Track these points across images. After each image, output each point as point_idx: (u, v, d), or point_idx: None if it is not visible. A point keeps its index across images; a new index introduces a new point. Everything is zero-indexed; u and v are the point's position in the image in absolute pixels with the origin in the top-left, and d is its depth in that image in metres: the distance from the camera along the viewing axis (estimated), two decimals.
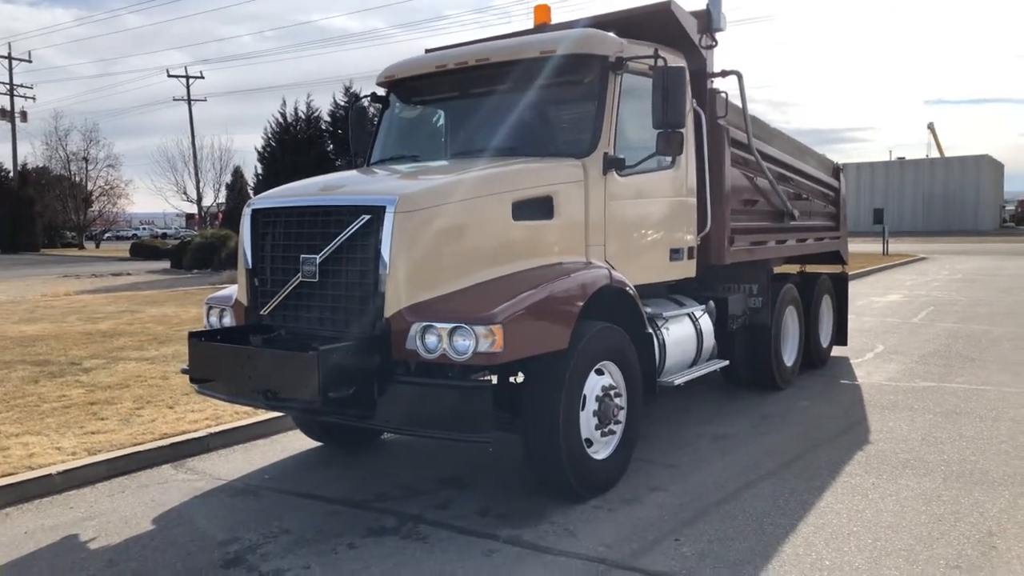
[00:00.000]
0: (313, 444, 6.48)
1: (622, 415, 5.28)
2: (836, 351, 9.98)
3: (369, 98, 6.85)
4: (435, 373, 4.55)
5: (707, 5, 6.62)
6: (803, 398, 7.91)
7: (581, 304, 4.86)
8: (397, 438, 6.58)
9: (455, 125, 6.33)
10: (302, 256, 4.82)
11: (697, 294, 6.91)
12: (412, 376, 4.54)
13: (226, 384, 4.93)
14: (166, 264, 34.09)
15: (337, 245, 4.68)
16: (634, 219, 5.84)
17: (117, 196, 63.30)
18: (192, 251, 31.30)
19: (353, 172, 6.17)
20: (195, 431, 6.47)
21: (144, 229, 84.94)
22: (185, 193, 56.79)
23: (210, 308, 5.61)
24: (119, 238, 74.84)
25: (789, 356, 8.37)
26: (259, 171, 29.40)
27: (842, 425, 6.87)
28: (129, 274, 29.47)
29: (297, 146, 27.90)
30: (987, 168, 62.83)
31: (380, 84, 6.59)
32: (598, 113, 5.51)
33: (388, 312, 4.52)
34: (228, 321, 5.43)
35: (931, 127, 76.39)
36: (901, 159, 67.02)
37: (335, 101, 29.15)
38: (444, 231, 4.69)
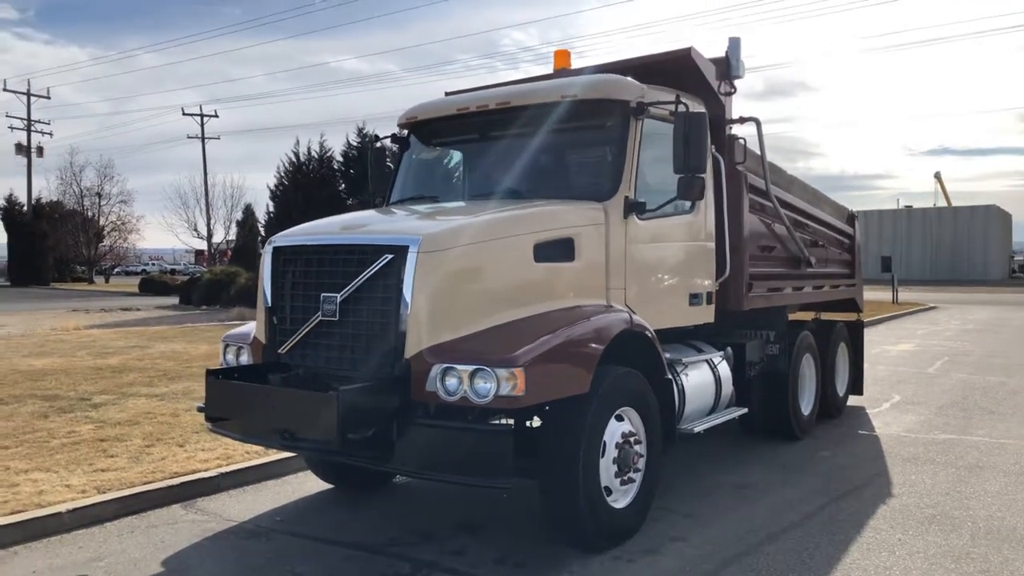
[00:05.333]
0: (325, 486, 6.38)
1: (642, 463, 5.18)
2: (852, 400, 9.84)
3: (389, 139, 6.89)
4: (454, 416, 4.48)
5: (726, 52, 6.68)
6: (821, 448, 7.77)
7: (602, 348, 4.81)
8: (410, 480, 6.47)
9: (475, 167, 6.36)
10: (322, 295, 4.80)
11: (714, 340, 6.85)
12: (431, 418, 4.46)
13: (242, 423, 4.86)
14: (175, 300, 34.17)
15: (358, 284, 4.66)
16: (654, 263, 5.81)
17: (128, 231, 63.82)
18: (201, 287, 31.38)
19: (373, 212, 6.18)
20: (205, 470, 6.38)
21: (153, 264, 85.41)
22: (196, 229, 57.23)
23: (227, 346, 5.57)
24: (128, 273, 75.17)
25: (806, 405, 8.26)
26: (271, 209, 29.68)
27: (863, 477, 6.73)
28: (138, 309, 29.53)
29: (309, 185, 28.16)
30: (995, 218, 62.85)
31: (401, 125, 6.63)
32: (619, 157, 5.52)
33: (408, 352, 4.47)
34: (245, 359, 5.38)
35: (938, 176, 76.62)
36: (909, 207, 67.14)
37: (348, 141, 29.64)
38: (466, 272, 4.67)
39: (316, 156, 29.11)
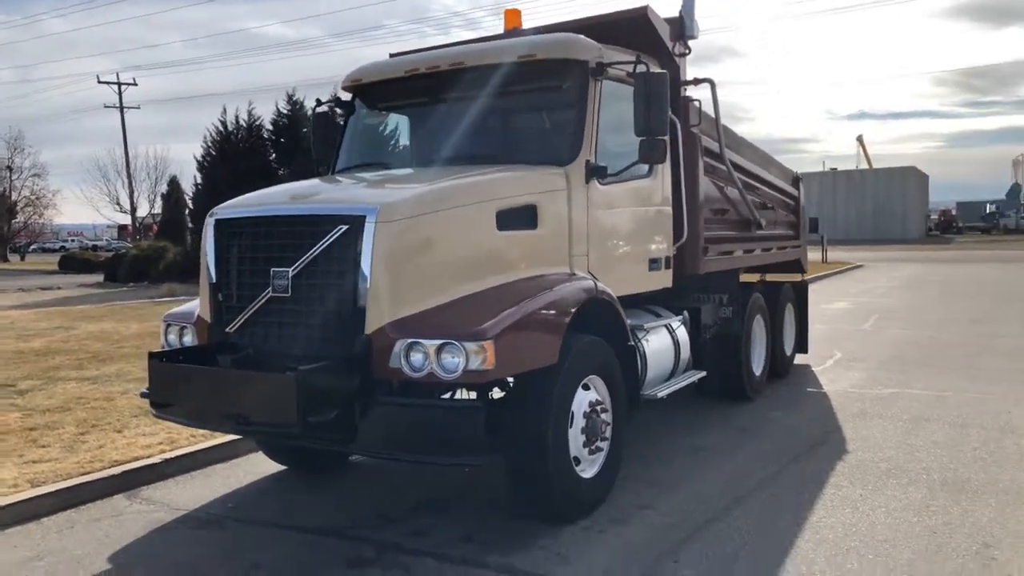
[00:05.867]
0: (277, 468, 6.11)
1: (608, 431, 5.10)
2: (798, 359, 10.02)
3: (332, 103, 6.54)
4: (416, 393, 4.30)
5: (680, 12, 6.54)
6: (774, 408, 7.87)
7: (569, 317, 4.67)
8: (366, 460, 6.25)
9: (426, 132, 6.08)
10: (272, 269, 4.51)
11: (670, 304, 6.80)
12: (395, 396, 4.26)
13: (190, 408, 4.56)
14: (99, 277, 32.73)
15: (312, 257, 4.39)
16: (615, 229, 5.69)
17: (44, 207, 60.70)
18: (127, 263, 30.15)
19: (320, 180, 5.87)
20: (148, 457, 6.03)
21: (72, 241, 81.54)
22: (118, 203, 54.78)
23: (168, 326, 5.23)
24: (45, 250, 71.74)
25: (758, 366, 8.35)
26: (198, 180, 28.42)
27: (817, 435, 6.83)
28: (59, 288, 28.15)
29: (238, 155, 27.04)
30: (913, 179, 65.23)
31: (346, 88, 6.29)
32: (579, 120, 5.34)
33: (369, 328, 4.24)
34: (189, 340, 5.06)
35: (860, 139, 79.07)
36: (834, 170, 69.09)
37: (277, 109, 28.48)
38: (427, 242, 4.44)
39: (245, 125, 27.89)
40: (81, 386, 8.76)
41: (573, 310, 4.72)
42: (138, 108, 55.14)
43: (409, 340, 4.14)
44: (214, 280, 4.83)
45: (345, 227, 4.32)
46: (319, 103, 6.62)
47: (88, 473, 5.65)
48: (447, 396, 4.58)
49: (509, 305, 4.40)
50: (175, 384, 4.50)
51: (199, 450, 6.25)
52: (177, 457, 6.08)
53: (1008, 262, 31.37)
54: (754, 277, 9.63)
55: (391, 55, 6.97)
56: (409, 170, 5.75)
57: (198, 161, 28.47)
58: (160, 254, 30.48)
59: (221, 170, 27.19)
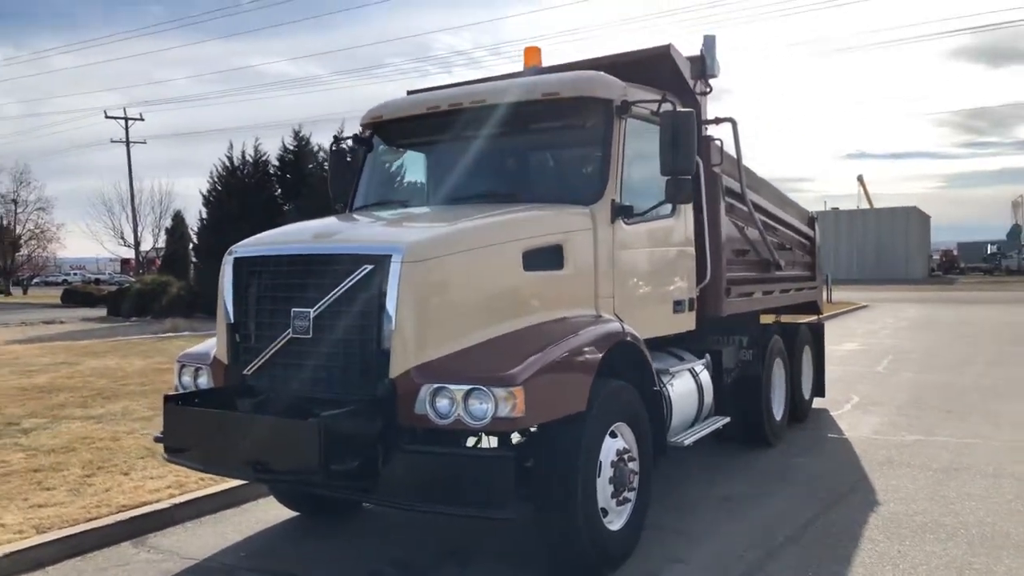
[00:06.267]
0: (289, 514, 5.91)
1: (636, 480, 4.91)
2: (815, 403, 9.82)
3: (351, 139, 6.46)
4: (439, 440, 4.12)
5: (701, 50, 6.48)
6: (796, 455, 7.66)
7: (598, 362, 4.52)
8: (376, 507, 6.04)
9: (446, 170, 5.98)
10: (293, 310, 4.37)
11: (691, 348, 6.64)
12: (418, 444, 4.08)
13: (207, 454, 4.38)
14: (102, 311, 32.63)
15: (334, 298, 4.25)
16: (640, 269, 5.56)
17: (48, 240, 60.81)
18: (131, 298, 30.06)
19: (338, 218, 5.76)
20: (157, 502, 5.83)
21: (75, 275, 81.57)
22: (122, 237, 54.76)
23: (183, 366, 5.07)
24: (48, 283, 71.68)
25: (778, 410, 8.16)
26: (203, 215, 28.49)
27: (845, 484, 6.62)
28: (62, 322, 28.02)
29: (244, 190, 27.14)
30: (916, 219, 65.36)
31: (365, 125, 6.22)
32: (604, 159, 5.25)
33: (394, 372, 4.09)
34: (204, 381, 4.90)
35: (860, 179, 79.32)
36: (836, 209, 69.24)
37: (283, 145, 28.64)
38: (453, 282, 4.31)
39: (251, 160, 28.06)
40: (86, 425, 8.57)
41: (601, 354, 4.57)
42: (144, 143, 55.42)
43: (435, 385, 3.99)
44: (232, 320, 4.69)
45: (370, 267, 4.19)
46: (337, 140, 6.55)
47: (94, 519, 5.45)
48: (470, 444, 4.40)
49: (536, 349, 4.25)
50: (191, 429, 4.34)
51: (209, 495, 6.05)
52: (186, 502, 5.88)
53: (1015, 304, 31.19)
54: (769, 318, 9.48)
55: (409, 92, 6.93)
56: (432, 209, 5.64)
57: (204, 196, 28.56)
58: (163, 289, 30.42)
59: (228, 204, 27.22)
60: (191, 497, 5.97)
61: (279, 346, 4.42)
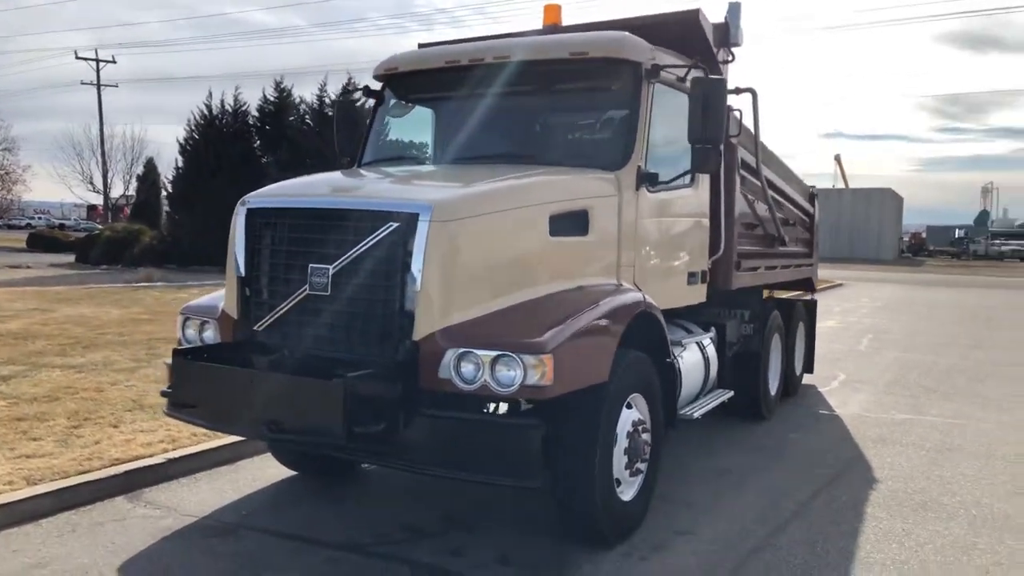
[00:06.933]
0: (285, 473, 5.78)
1: (648, 452, 4.86)
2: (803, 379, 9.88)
3: (362, 91, 6.21)
4: (457, 406, 4.00)
5: (725, 17, 6.31)
6: (790, 430, 7.69)
7: (621, 331, 4.42)
8: (377, 467, 5.94)
9: (462, 127, 5.75)
10: (311, 266, 4.20)
11: (697, 320, 6.58)
12: (439, 409, 3.96)
13: (215, 410, 4.22)
14: (70, 258, 31.86)
15: (356, 255, 4.08)
16: (660, 239, 5.45)
17: (13, 182, 59.00)
18: (101, 245, 29.34)
19: (355, 173, 5.55)
20: (151, 456, 5.68)
21: (39, 219, 79.56)
22: (91, 183, 53.46)
23: (187, 319, 4.88)
24: (11, 227, 69.88)
25: (773, 385, 8.18)
26: (179, 164, 27.75)
27: (841, 460, 6.66)
28: (29, 267, 27.33)
29: (222, 140, 26.45)
30: (890, 201, 66.11)
31: (378, 77, 5.98)
32: (631, 124, 5.10)
33: (418, 334, 3.95)
34: (210, 335, 4.72)
35: (838, 159, 79.54)
36: (813, 187, 69.68)
37: (264, 96, 27.91)
38: (482, 244, 4.16)
39: (230, 110, 27.30)
40: (67, 374, 8.32)
41: (624, 325, 4.48)
42: (116, 87, 53.88)
43: (461, 349, 3.86)
44: (242, 273, 4.50)
45: (395, 224, 4.02)
46: (346, 90, 6.40)
47: (88, 472, 5.28)
48: (488, 410, 4.29)
49: (563, 317, 4.14)
50: (202, 384, 4.17)
51: (204, 451, 5.90)
52: (181, 457, 5.73)
53: (984, 288, 31.79)
54: (765, 293, 9.47)
55: (419, 45, 6.69)
56: (451, 167, 5.44)
57: (180, 144, 27.82)
58: (135, 237, 29.77)
59: (204, 155, 26.56)
60: (186, 452, 5.82)
61: (294, 302, 4.25)
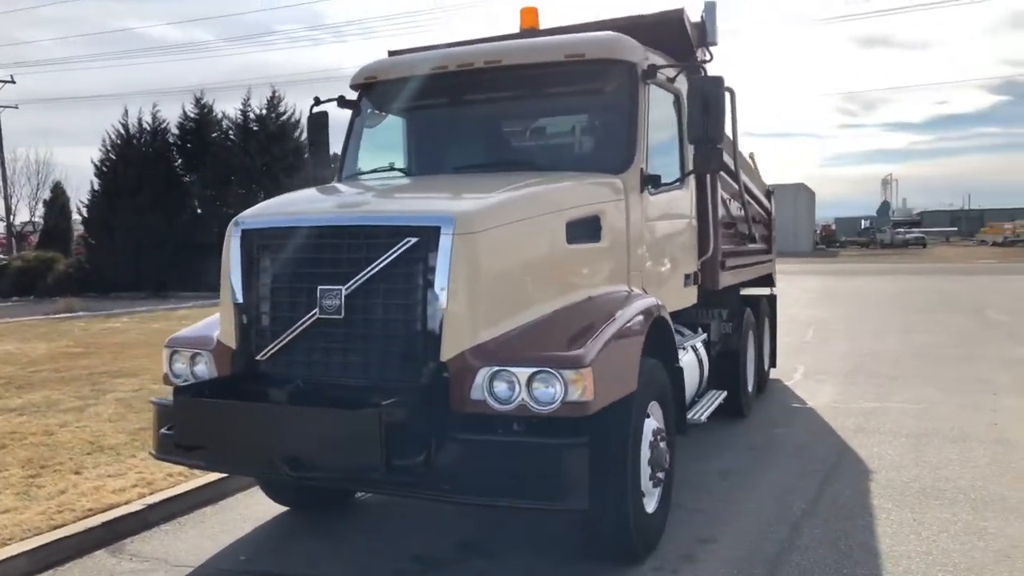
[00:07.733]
0: (277, 509, 5.43)
1: (667, 460, 4.75)
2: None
3: (336, 102, 5.91)
4: (488, 428, 3.78)
5: (701, 16, 6.29)
6: (773, 425, 7.74)
7: (643, 340, 4.30)
8: (371, 496, 5.64)
9: (451, 135, 5.57)
10: (320, 288, 3.91)
11: (681, 322, 6.53)
12: (474, 432, 3.73)
13: (229, 452, 3.87)
14: None
15: (371, 274, 3.82)
16: (662, 242, 5.37)
17: None
18: (11, 275, 27.58)
19: (347, 186, 5.27)
20: (127, 503, 5.24)
21: None
22: None
23: (174, 352, 4.49)
24: None
25: (750, 381, 8.23)
26: (95, 186, 26.32)
27: (830, 454, 6.71)
28: None
29: (142, 159, 25.24)
30: (804, 195, 68.73)
31: (355, 86, 5.71)
32: (631, 125, 5.00)
33: (445, 355, 3.73)
34: (203, 369, 4.36)
35: (752, 156, 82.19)
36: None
37: (184, 112, 26.83)
38: (506, 256, 3.98)
39: (149, 128, 26.13)
40: (7, 418, 7.68)
41: (645, 332, 4.36)
42: (15, 107, 50.89)
43: (495, 368, 3.66)
44: (240, 300, 4.17)
45: (414, 239, 3.79)
46: (318, 101, 5.99)
47: (61, 526, 4.82)
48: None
49: (590, 327, 4.00)
50: (212, 423, 3.81)
51: (184, 492, 5.49)
52: (161, 502, 5.31)
53: (896, 275, 33.33)
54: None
55: (390, 53, 6.44)
56: (459, 177, 5.15)
57: (96, 165, 26.47)
58: (48, 265, 28.13)
59: (123, 175, 25.32)
60: (165, 496, 5.39)
61: (302, 328, 3.95)
